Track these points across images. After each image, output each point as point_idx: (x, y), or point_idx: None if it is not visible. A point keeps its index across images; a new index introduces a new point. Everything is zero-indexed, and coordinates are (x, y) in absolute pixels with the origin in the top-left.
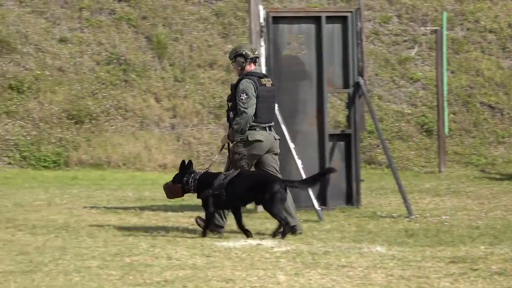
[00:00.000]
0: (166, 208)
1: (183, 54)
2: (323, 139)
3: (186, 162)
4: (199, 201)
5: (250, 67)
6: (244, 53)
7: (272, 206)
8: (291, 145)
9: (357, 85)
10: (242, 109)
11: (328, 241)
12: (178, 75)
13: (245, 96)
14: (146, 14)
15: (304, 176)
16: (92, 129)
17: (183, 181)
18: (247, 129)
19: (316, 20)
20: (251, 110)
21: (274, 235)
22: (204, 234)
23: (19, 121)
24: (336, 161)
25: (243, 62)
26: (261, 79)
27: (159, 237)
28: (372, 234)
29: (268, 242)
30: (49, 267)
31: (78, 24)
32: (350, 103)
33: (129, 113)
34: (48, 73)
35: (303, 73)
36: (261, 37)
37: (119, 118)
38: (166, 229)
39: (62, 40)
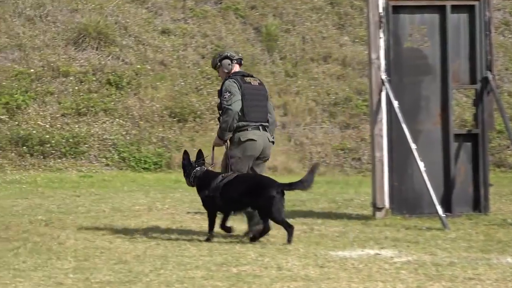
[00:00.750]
0: None
1: (295, 47)
2: (448, 139)
3: (196, 152)
4: (311, 206)
5: (236, 69)
6: (229, 54)
7: (269, 211)
8: (413, 146)
9: (485, 81)
10: (226, 106)
11: (453, 251)
12: (290, 70)
13: (228, 94)
14: (255, 4)
15: (427, 181)
16: (196, 128)
17: (188, 173)
18: (234, 126)
19: (440, 9)
20: (235, 106)
21: (288, 241)
22: (208, 238)
23: (117, 119)
24: (462, 164)
25: (229, 64)
26: (245, 78)
27: (268, 246)
28: (502, 244)
29: (388, 252)
30: (149, 278)
31: (181, 15)
32: (478, 100)
33: None
34: (149, 68)
35: (426, 67)
36: (379, 28)
37: None
38: (276, 237)
39: (164, 32)
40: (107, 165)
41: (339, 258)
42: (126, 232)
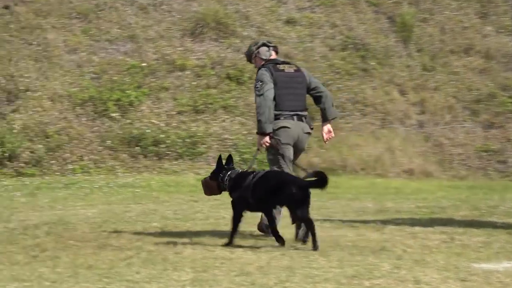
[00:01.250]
0: (412, 222)
1: (433, 38)
2: None
3: (225, 156)
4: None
5: (273, 57)
6: (265, 41)
7: (295, 208)
8: None
9: None
10: (258, 95)
11: None
12: (427, 63)
13: (260, 83)
14: None
15: None
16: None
17: (219, 178)
18: (273, 115)
19: None
20: (269, 94)
21: (303, 241)
22: (229, 241)
23: (238, 117)
24: None
25: (267, 51)
26: (278, 65)
27: (404, 257)
28: None
29: None
30: None
31: (307, 3)
32: None
33: (368, 108)
34: None
35: None
36: None
37: (357, 114)
38: (413, 247)
39: (289, 22)
40: None
41: (482, 271)
42: (248, 240)
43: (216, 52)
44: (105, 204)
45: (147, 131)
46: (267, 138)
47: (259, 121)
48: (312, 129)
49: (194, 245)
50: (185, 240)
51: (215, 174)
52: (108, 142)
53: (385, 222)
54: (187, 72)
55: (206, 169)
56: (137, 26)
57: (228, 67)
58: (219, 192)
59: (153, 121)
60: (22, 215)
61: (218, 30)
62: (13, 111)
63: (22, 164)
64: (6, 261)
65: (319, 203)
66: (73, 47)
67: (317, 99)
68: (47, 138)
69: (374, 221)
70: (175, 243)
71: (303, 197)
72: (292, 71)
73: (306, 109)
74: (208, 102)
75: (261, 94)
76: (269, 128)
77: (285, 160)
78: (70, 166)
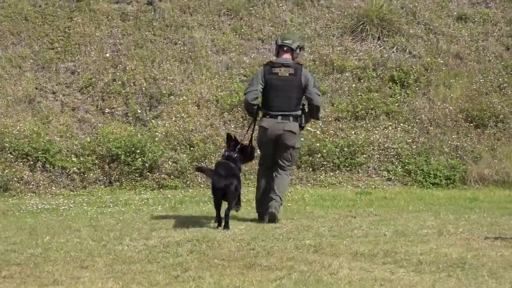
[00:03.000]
0: None
1: None
2: None
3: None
4: None
5: (281, 55)
6: (279, 40)
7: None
8: None
9: None
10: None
11: None
12: None
13: (248, 83)
14: None
15: None
16: (498, 135)
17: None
18: (250, 110)
19: None
20: (249, 95)
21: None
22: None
23: (402, 124)
24: None
25: (275, 50)
26: (274, 68)
27: None
28: None
29: None
30: None
31: None
32: None
33: None
34: (441, 62)
35: None
36: None
37: None
38: None
39: (460, 18)
40: (389, 179)
41: None
42: (411, 260)
43: (379, 52)
44: (253, 220)
45: (301, 139)
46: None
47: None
48: (302, 128)
49: (351, 265)
50: (341, 259)
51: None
52: (258, 151)
53: None
54: (347, 74)
55: (366, 181)
56: (292, 24)
57: (392, 69)
58: None
59: (308, 128)
60: (163, 232)
61: (381, 28)
62: (155, 117)
63: (164, 176)
64: (145, 282)
65: (489, 219)
66: (222, 47)
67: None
68: (192, 147)
69: None
70: (330, 263)
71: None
72: (287, 74)
73: (296, 110)
74: (369, 107)
75: (244, 94)
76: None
77: (261, 157)
78: None
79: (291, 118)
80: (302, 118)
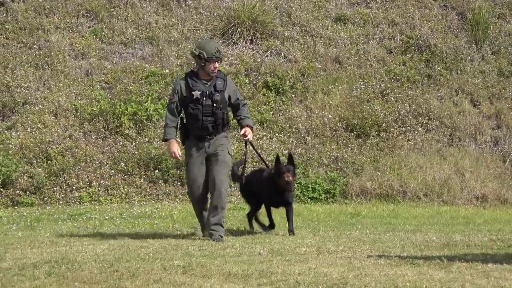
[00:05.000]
0: (485, 259)
1: None
2: None
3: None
4: None
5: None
6: None
7: None
8: None
9: None
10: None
11: None
12: (505, 68)
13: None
14: None
15: None
16: (381, 145)
17: None
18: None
19: None
20: None
21: None
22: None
23: (278, 134)
24: None
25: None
26: None
27: None
28: None
29: None
30: None
31: None
32: None
33: (433, 122)
34: (319, 66)
35: None
36: None
37: (419, 129)
38: None
39: (339, 19)
40: None
41: None
42: (288, 281)
43: (252, 56)
44: (117, 239)
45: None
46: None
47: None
48: (183, 141)
49: (223, 287)
50: (213, 280)
51: None
52: (122, 164)
53: (452, 259)
54: None
55: (238, 195)
56: (157, 26)
57: (266, 74)
58: None
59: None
60: (19, 252)
61: (254, 30)
62: (9, 128)
63: (19, 192)
64: None
65: (372, 235)
66: (81, 51)
67: None
68: (49, 160)
69: (439, 257)
70: (200, 285)
71: None
72: None
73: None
74: None
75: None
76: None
77: None
78: (76, 194)
79: None
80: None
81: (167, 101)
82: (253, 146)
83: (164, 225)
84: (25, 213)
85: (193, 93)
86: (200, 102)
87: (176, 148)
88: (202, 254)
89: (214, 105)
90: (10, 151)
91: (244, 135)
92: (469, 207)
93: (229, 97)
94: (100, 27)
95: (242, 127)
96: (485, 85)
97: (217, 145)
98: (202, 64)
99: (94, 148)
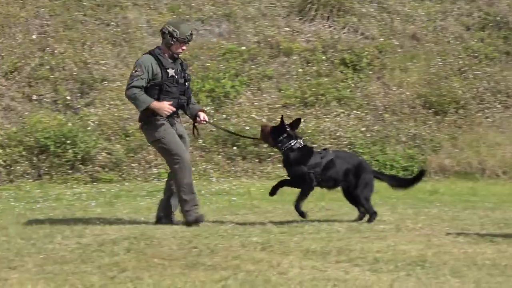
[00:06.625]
0: None
1: None
2: None
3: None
4: None
5: None
6: None
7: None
8: None
9: None
10: None
11: None
12: None
13: None
14: None
15: None
16: (459, 123)
17: (279, 138)
18: None
19: None
20: None
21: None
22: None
23: (355, 111)
24: None
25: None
26: None
27: None
28: None
29: None
30: None
31: None
32: None
33: None
34: (396, 43)
35: None
36: None
37: (498, 106)
38: None
39: None
40: None
41: None
42: (366, 259)
43: (329, 33)
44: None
45: (247, 128)
46: None
47: None
48: (146, 121)
49: (302, 264)
50: (291, 258)
51: (276, 132)
52: (200, 141)
53: None
54: (294, 57)
55: None
56: (234, 3)
57: (343, 51)
58: (271, 145)
59: (253, 116)
60: (98, 229)
61: (331, 7)
62: (87, 104)
63: (98, 168)
64: (78, 283)
65: (451, 213)
66: (158, 28)
67: None
68: (127, 137)
69: None
70: (279, 262)
71: None
72: None
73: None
74: (319, 93)
75: None
76: None
77: None
78: (154, 170)
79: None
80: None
81: (131, 78)
82: (215, 125)
83: (242, 202)
84: (104, 190)
85: (168, 71)
86: (175, 80)
87: (164, 102)
88: (280, 231)
89: (186, 83)
90: (89, 128)
91: (204, 120)
92: None
93: None
94: (177, 4)
95: (196, 111)
96: None
97: (180, 127)
98: (172, 43)
99: None
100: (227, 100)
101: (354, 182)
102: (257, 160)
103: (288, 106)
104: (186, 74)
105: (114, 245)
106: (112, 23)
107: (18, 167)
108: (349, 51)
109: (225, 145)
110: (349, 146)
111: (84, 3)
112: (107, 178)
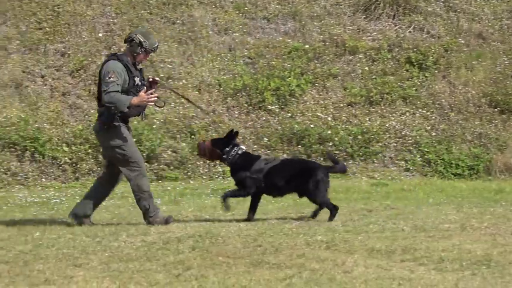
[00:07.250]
0: None
1: None
2: None
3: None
4: None
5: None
6: None
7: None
8: None
9: None
10: None
11: None
12: None
13: None
14: None
15: None
16: None
17: (224, 149)
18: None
19: None
20: None
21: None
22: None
23: (421, 110)
24: None
25: None
26: None
27: None
28: None
29: None
30: None
31: None
32: None
33: None
34: (462, 42)
35: None
36: None
37: None
38: None
39: None
40: (407, 169)
41: None
42: (432, 258)
43: (395, 32)
44: (260, 214)
45: (311, 126)
46: None
47: None
48: (108, 124)
49: (367, 263)
50: (356, 257)
51: (219, 144)
52: (265, 139)
53: None
54: (360, 56)
55: (382, 172)
56: (300, 2)
57: (409, 50)
58: (215, 159)
59: (318, 114)
60: (163, 227)
61: (397, 6)
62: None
63: (163, 166)
64: (143, 281)
65: None
66: (224, 27)
67: None
68: (193, 135)
69: None
70: (343, 261)
71: None
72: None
73: (101, 106)
74: (385, 92)
75: None
76: None
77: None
78: (219, 169)
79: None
80: (105, 114)
81: (107, 85)
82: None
83: (306, 200)
84: (169, 188)
85: (135, 79)
86: (139, 88)
87: (140, 93)
88: (345, 230)
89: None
90: (154, 126)
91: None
92: None
93: None
94: (243, 2)
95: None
96: None
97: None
98: (139, 52)
99: (237, 123)
100: (292, 99)
101: (304, 187)
102: (322, 158)
103: (353, 104)
104: (145, 82)
105: (179, 243)
106: (178, 21)
107: (84, 165)
108: (415, 49)
109: (290, 144)
110: (414, 145)
111: (150, 1)
112: (172, 176)
